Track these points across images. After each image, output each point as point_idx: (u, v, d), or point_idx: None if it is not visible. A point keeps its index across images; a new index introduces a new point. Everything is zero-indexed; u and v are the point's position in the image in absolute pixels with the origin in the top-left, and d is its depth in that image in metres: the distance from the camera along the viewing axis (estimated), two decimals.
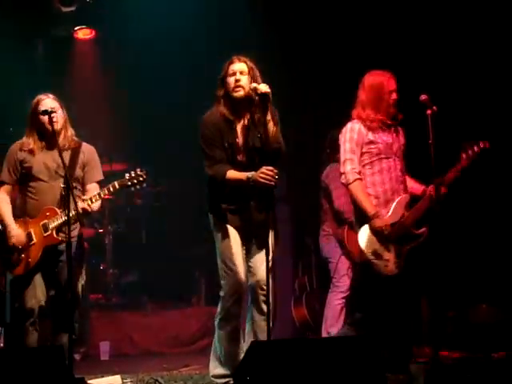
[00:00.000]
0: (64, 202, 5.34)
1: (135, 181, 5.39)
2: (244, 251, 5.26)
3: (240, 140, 5.20)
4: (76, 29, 8.85)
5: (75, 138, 5.57)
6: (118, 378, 5.46)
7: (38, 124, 5.45)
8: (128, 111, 8.92)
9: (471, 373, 4.85)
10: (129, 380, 5.60)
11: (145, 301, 8.54)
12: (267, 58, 6.02)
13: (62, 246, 5.35)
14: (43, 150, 5.48)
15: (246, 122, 5.21)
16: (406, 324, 5.51)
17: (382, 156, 5.54)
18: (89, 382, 5.09)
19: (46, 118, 5.35)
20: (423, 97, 5.39)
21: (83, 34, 8.95)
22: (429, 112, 5.33)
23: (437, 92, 5.50)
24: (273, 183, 4.93)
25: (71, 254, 5.08)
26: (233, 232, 5.23)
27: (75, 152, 5.51)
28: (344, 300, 6.98)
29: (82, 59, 9.06)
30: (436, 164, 5.25)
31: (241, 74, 5.13)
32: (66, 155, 5.45)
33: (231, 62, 5.19)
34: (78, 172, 5.50)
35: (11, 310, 5.44)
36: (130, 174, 5.42)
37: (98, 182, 5.56)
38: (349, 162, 5.56)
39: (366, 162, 5.57)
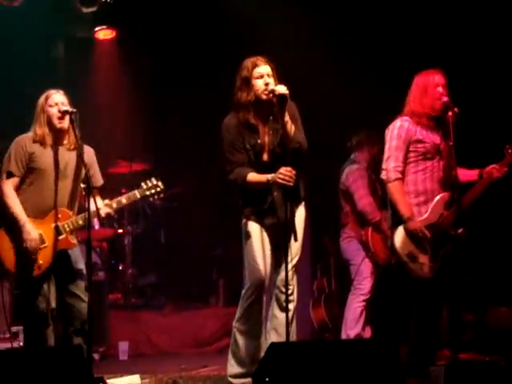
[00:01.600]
0: (73, 203, 5.35)
1: (153, 191, 5.39)
2: (272, 251, 5.25)
3: (262, 141, 5.19)
4: (97, 29, 8.87)
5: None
6: (136, 377, 5.47)
7: (47, 118, 5.32)
8: (148, 112, 8.93)
9: (491, 376, 4.82)
10: (147, 380, 5.61)
11: (163, 301, 8.55)
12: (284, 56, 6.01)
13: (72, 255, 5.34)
14: (52, 146, 5.34)
15: (268, 123, 5.21)
16: (432, 328, 5.45)
17: (428, 156, 5.43)
18: (108, 381, 5.10)
19: (55, 112, 5.28)
20: (444, 98, 5.36)
21: (104, 34, 8.97)
22: (450, 114, 5.29)
23: (460, 93, 5.48)
24: (291, 183, 4.93)
25: (91, 255, 5.02)
26: (259, 232, 5.22)
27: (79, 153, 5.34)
28: (364, 303, 6.97)
29: (103, 60, 9.08)
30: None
31: (268, 77, 5.11)
32: (73, 155, 5.37)
33: (255, 65, 5.13)
34: (83, 173, 5.32)
35: (24, 313, 5.39)
36: (146, 183, 5.41)
37: (100, 187, 5.49)
38: (393, 160, 5.44)
39: (410, 161, 5.45)
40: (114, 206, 5.32)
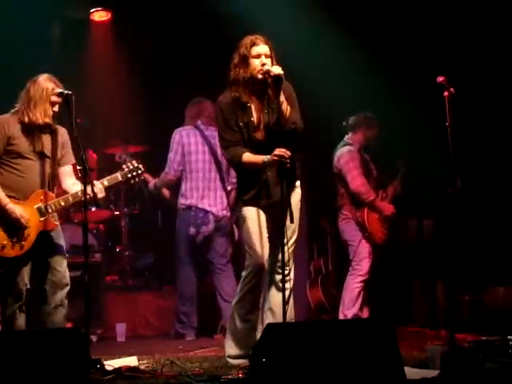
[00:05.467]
0: (53, 184, 5.36)
1: (134, 173, 5.47)
2: (270, 234, 5.25)
3: (255, 119, 5.18)
4: (92, 11, 8.83)
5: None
6: (134, 359, 5.47)
7: (48, 106, 5.30)
8: (143, 94, 8.90)
9: (487, 355, 4.85)
10: (145, 361, 5.60)
11: (160, 283, 8.55)
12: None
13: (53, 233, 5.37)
14: (34, 130, 5.32)
15: (262, 102, 5.20)
16: None
17: None
18: (105, 363, 5.10)
19: (58, 100, 5.26)
20: (440, 78, 5.36)
21: (99, 16, 8.92)
22: (446, 94, 5.30)
23: (455, 74, 5.48)
24: (287, 165, 4.93)
25: (87, 237, 5.02)
26: (256, 215, 5.21)
27: (54, 134, 5.40)
28: (362, 284, 6.97)
29: (98, 42, 9.03)
30: (453, 146, 5.24)
31: (265, 58, 5.11)
32: (48, 138, 5.38)
33: (254, 44, 5.13)
34: (59, 154, 5.42)
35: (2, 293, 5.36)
36: (127, 166, 5.47)
37: (73, 165, 5.46)
38: None
39: None
40: (94, 191, 5.22)
